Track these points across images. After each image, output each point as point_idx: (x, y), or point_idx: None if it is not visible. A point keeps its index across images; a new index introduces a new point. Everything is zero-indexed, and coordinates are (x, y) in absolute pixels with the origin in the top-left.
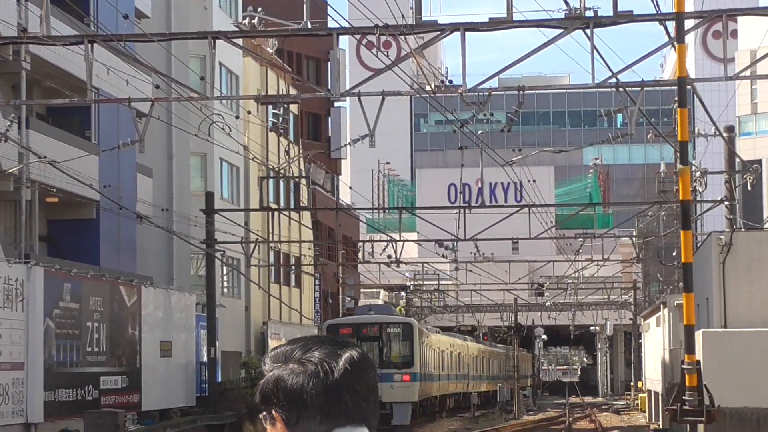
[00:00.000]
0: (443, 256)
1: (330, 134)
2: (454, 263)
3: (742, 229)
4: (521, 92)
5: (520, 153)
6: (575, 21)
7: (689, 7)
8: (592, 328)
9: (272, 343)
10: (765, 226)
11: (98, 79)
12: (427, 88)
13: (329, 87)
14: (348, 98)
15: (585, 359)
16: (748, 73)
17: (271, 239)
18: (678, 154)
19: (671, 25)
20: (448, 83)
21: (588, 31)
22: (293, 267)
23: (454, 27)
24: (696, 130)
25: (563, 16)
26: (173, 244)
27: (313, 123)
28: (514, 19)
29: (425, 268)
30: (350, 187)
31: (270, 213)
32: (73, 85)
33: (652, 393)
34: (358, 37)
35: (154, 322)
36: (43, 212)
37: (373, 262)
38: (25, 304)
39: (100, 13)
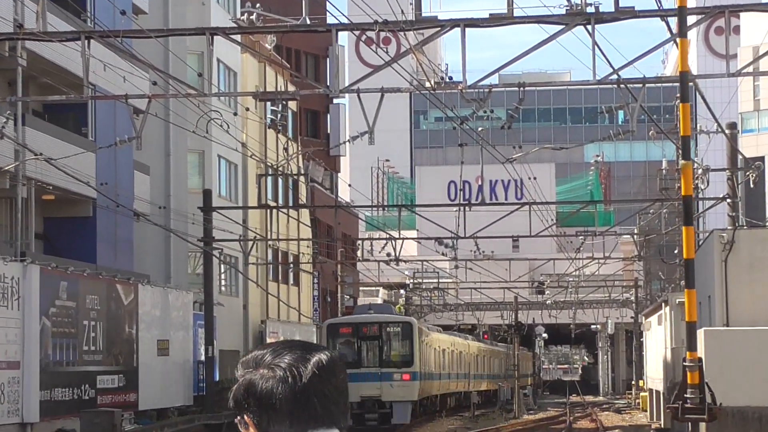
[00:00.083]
0: (443, 254)
1: (329, 131)
2: (453, 261)
3: (745, 227)
4: (522, 89)
5: (520, 150)
6: (576, 17)
7: (691, 2)
8: (593, 326)
9: (270, 342)
10: None
11: (95, 75)
12: (427, 84)
13: (328, 84)
14: (347, 95)
15: (586, 358)
16: (750, 69)
17: (269, 237)
18: (680, 149)
19: (673, 22)
20: (448, 80)
21: (589, 27)
22: (292, 265)
23: (454, 23)
24: (698, 127)
25: (564, 12)
26: (171, 242)
27: (312, 120)
28: (515, 15)
29: (425, 266)
30: (349, 185)
31: (268, 211)
32: (70, 81)
33: (654, 392)
34: (357, 33)
35: (152, 320)
36: (39, 210)
37: (373, 260)
38: (21, 303)
39: (97, 9)
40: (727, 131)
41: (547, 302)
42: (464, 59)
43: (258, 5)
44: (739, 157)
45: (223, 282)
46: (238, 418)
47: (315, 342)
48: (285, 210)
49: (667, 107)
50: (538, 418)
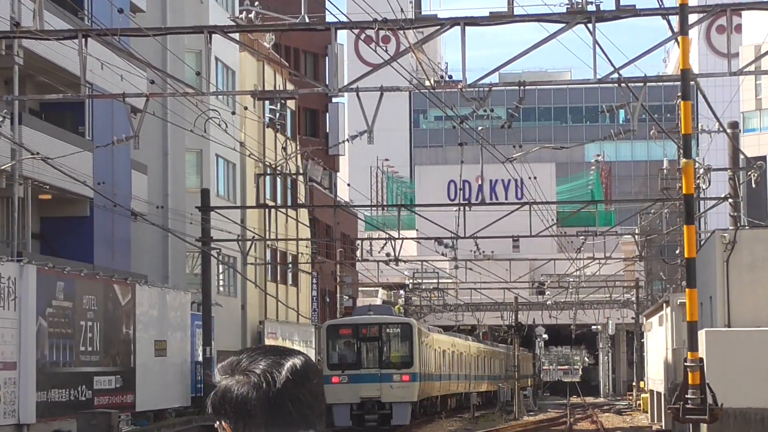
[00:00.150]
0: (443, 254)
1: (328, 130)
2: (453, 261)
3: (747, 227)
4: (522, 88)
5: (520, 149)
6: (577, 15)
7: (693, 1)
8: (593, 327)
9: (268, 343)
10: None
11: (92, 74)
12: (427, 83)
13: (327, 82)
14: (346, 94)
15: (586, 359)
16: (752, 68)
17: (267, 237)
18: (681, 148)
19: (674, 20)
20: (447, 79)
21: (590, 25)
22: (290, 265)
23: (454, 21)
24: (699, 126)
25: (565, 11)
26: (168, 242)
27: (311, 119)
28: (515, 13)
29: (424, 266)
30: (348, 184)
31: (267, 210)
32: (67, 80)
33: (655, 393)
34: (356, 31)
35: (149, 321)
36: (36, 209)
37: (372, 261)
38: (17, 303)
39: (94, 7)
40: (728, 130)
41: (548, 303)
42: (464, 58)
43: (257, 3)
44: (741, 156)
45: (221, 282)
46: (217, 423)
47: (313, 342)
48: (284, 210)
49: (668, 106)
50: (538, 419)
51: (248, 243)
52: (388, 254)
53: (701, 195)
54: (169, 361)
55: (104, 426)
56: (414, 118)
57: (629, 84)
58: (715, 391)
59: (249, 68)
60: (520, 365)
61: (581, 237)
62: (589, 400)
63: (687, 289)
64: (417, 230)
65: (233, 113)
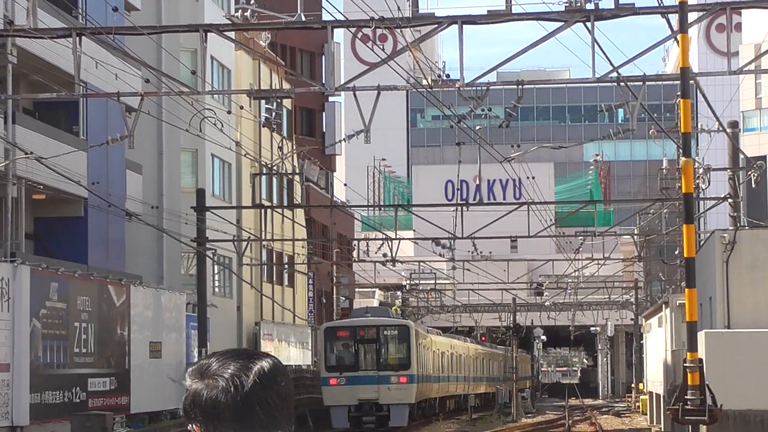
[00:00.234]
0: (440, 255)
1: (324, 130)
2: (451, 262)
3: (746, 227)
4: (520, 87)
5: (519, 149)
6: (576, 14)
7: None
8: (592, 328)
9: (264, 344)
10: None
11: (86, 72)
12: (424, 82)
13: (323, 81)
14: (343, 93)
15: (585, 360)
16: (752, 67)
17: (263, 237)
18: (680, 147)
19: (674, 18)
20: (445, 77)
21: (589, 24)
22: (286, 266)
23: (451, 20)
24: (699, 126)
25: (563, 9)
26: (163, 243)
27: (307, 118)
28: (513, 11)
29: (422, 267)
30: (345, 184)
31: (263, 210)
32: (61, 79)
33: (654, 395)
34: (353, 30)
35: (144, 322)
36: (29, 210)
37: (369, 261)
38: (10, 304)
39: (89, 5)
40: (728, 130)
41: (546, 304)
42: (462, 57)
43: (252, 2)
44: (741, 156)
45: (216, 283)
46: (189, 427)
47: (310, 343)
48: (279, 210)
49: (667, 106)
50: (536, 421)
51: (244, 243)
52: (385, 255)
53: (701, 195)
54: (164, 363)
55: (98, 428)
56: (411, 118)
57: (628, 83)
58: (715, 393)
59: (245, 67)
60: (518, 367)
61: (580, 237)
62: (588, 401)
63: (686, 290)
64: (414, 230)
65: (229, 112)
